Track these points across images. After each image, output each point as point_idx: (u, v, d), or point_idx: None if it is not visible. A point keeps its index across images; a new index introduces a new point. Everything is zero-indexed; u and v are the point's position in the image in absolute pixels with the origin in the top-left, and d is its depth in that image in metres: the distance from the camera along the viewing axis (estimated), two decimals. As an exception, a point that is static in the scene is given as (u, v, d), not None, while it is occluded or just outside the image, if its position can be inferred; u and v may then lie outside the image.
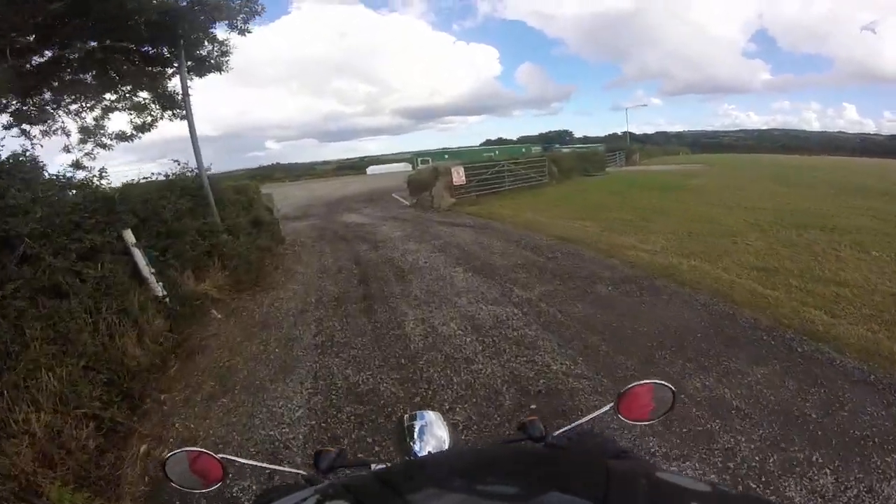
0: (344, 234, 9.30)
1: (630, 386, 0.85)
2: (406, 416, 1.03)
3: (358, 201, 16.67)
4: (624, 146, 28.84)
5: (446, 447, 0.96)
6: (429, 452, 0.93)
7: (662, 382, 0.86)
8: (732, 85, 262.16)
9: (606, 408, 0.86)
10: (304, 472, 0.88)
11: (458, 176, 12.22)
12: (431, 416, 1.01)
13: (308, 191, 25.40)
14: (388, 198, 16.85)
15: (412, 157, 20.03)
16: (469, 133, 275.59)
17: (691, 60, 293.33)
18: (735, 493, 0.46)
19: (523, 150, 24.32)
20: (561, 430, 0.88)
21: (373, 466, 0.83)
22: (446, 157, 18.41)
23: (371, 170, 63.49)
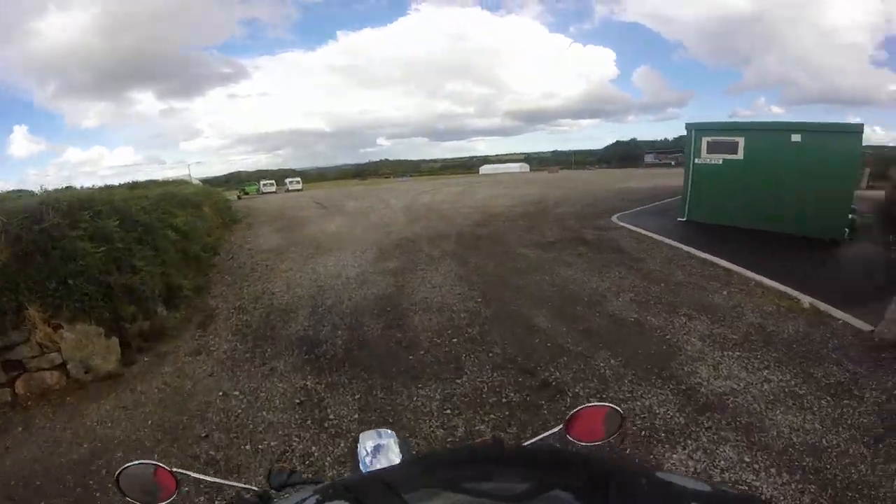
0: None
1: (579, 408, 0.83)
2: (362, 434, 1.02)
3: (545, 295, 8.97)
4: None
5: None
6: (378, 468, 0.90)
7: (611, 405, 0.83)
8: (857, 96, 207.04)
9: (555, 429, 0.84)
10: (257, 489, 0.84)
11: None
12: (386, 434, 1.01)
13: (412, 196, 18.06)
14: (616, 251, 6.30)
15: (691, 132, 7.93)
16: (581, 137, 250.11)
17: (815, 68, 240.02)
18: (735, 493, 0.45)
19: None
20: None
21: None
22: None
23: (484, 169, 57.88)
